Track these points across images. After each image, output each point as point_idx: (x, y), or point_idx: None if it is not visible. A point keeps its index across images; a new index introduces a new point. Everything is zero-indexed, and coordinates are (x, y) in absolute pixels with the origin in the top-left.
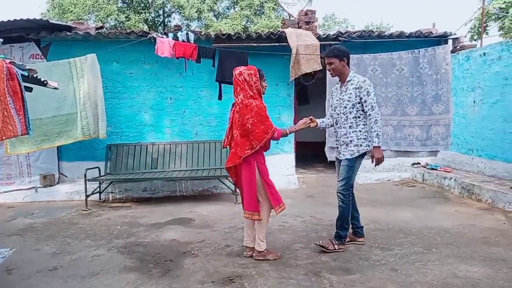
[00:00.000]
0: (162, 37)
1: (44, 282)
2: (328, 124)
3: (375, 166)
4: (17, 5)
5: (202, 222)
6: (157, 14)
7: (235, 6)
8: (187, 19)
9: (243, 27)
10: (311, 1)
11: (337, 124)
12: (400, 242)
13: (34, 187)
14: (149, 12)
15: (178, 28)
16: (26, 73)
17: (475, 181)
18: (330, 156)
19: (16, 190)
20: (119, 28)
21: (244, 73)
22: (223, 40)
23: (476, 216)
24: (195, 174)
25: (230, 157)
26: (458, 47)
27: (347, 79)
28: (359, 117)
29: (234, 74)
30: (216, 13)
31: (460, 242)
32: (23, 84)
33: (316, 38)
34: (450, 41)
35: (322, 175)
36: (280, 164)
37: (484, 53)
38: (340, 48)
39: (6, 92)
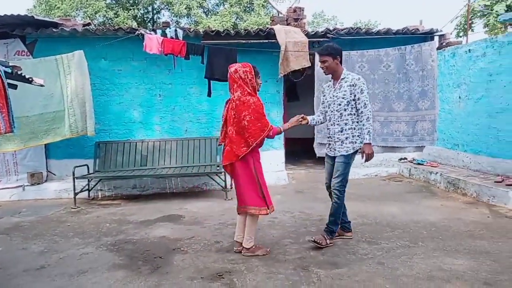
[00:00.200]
0: (150, 34)
1: (31, 281)
2: (318, 121)
3: (365, 161)
4: (2, 0)
5: (192, 219)
6: (146, 11)
7: (225, 3)
8: (177, 16)
9: (232, 24)
10: None
11: (330, 121)
12: (387, 236)
13: (21, 186)
14: (138, 9)
15: (166, 24)
16: (9, 70)
17: (461, 176)
18: (319, 152)
19: (2, 188)
20: (107, 25)
21: (239, 70)
22: (212, 37)
23: (461, 210)
24: (185, 171)
25: (225, 155)
26: (444, 43)
27: (341, 77)
28: (354, 114)
29: (229, 72)
30: (205, 10)
31: (445, 236)
32: (7, 81)
33: (305, 35)
34: (436, 38)
35: (311, 171)
36: (270, 160)
37: (469, 49)
38: (334, 46)
39: None
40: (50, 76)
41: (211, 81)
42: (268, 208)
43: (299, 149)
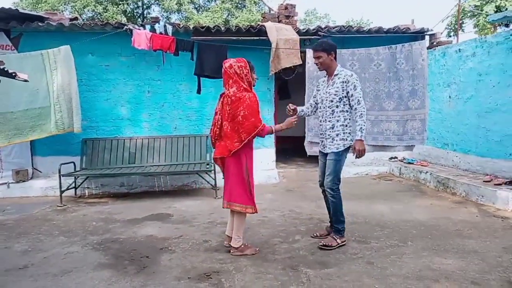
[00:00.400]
0: (139, 29)
1: (13, 281)
2: (306, 113)
3: (356, 158)
4: None
5: (181, 218)
6: (136, 6)
7: None
8: (167, 11)
9: (224, 20)
10: None
11: (322, 117)
12: (376, 235)
13: (6, 183)
14: (127, 4)
15: (155, 20)
16: None
17: (450, 175)
18: (310, 150)
19: None
20: (96, 20)
21: (234, 65)
22: (202, 33)
23: (451, 209)
24: (174, 169)
25: (218, 148)
26: (435, 43)
27: (335, 73)
28: (346, 111)
29: (224, 67)
30: (196, 6)
31: (434, 235)
32: None
33: (296, 32)
34: (427, 37)
35: (302, 169)
36: (261, 159)
37: (459, 49)
38: (328, 42)
39: None
40: (35, 71)
41: (200, 78)
42: (252, 208)
43: (290, 148)
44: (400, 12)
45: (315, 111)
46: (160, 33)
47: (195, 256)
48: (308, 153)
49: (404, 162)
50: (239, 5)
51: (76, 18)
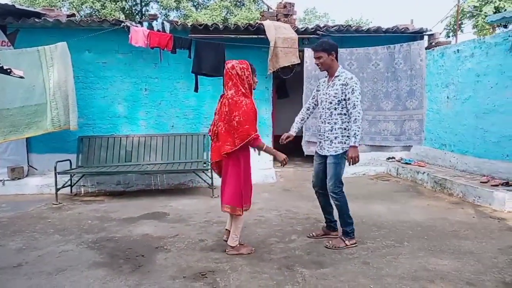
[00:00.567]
0: (136, 26)
1: (7, 280)
2: (303, 121)
3: (350, 165)
4: None
5: (177, 217)
6: (134, 3)
7: None
8: (165, 9)
9: (223, 18)
10: None
11: (320, 118)
12: (373, 235)
13: (1, 180)
14: (126, 1)
15: (153, 17)
16: None
17: (447, 176)
18: (307, 150)
19: None
20: (93, 17)
21: (236, 67)
22: (200, 31)
23: (447, 210)
24: (171, 168)
25: (214, 152)
26: (433, 43)
27: (335, 74)
28: (344, 114)
29: (226, 67)
30: (195, 3)
31: (431, 236)
32: None
33: (295, 31)
34: (426, 38)
35: (299, 169)
36: (258, 158)
37: (457, 49)
38: (329, 42)
39: None
40: (32, 68)
41: (198, 76)
42: (242, 209)
43: (288, 147)
44: (399, 12)
45: (312, 112)
46: (158, 30)
47: (191, 255)
48: (305, 153)
49: (402, 163)
50: (238, 3)
51: (73, 15)
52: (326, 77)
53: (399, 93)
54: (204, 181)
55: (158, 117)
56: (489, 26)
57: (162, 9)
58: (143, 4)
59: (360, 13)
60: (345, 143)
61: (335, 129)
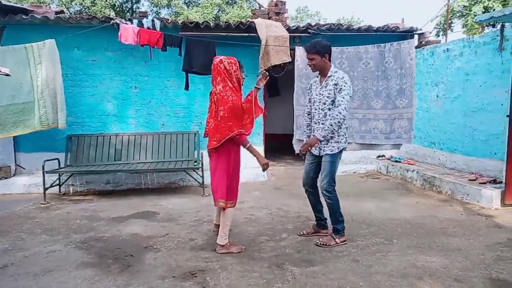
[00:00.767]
0: (126, 24)
1: None
2: (310, 128)
3: (297, 151)
4: None
5: (167, 216)
6: (125, 0)
7: None
8: (157, 6)
9: (214, 16)
10: None
11: (314, 118)
12: (362, 233)
13: None
14: None
15: (143, 14)
16: None
17: (436, 174)
18: (298, 148)
19: None
20: (83, 14)
21: (224, 61)
22: (191, 29)
23: (436, 207)
24: (161, 166)
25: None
26: (423, 42)
27: (328, 74)
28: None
29: (214, 62)
30: (187, 1)
31: (420, 233)
32: None
33: (286, 29)
34: (416, 36)
35: (290, 167)
36: (249, 156)
37: (447, 49)
38: (322, 43)
39: None
40: (19, 65)
41: (188, 74)
42: (228, 202)
43: (279, 145)
44: (391, 11)
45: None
46: (148, 28)
47: (181, 254)
48: (296, 151)
49: (392, 161)
50: (230, 1)
51: (62, 11)
52: (317, 76)
53: (389, 92)
54: (195, 179)
55: (148, 115)
56: (478, 26)
57: (153, 6)
58: (133, 1)
59: (351, 12)
60: (340, 142)
61: None
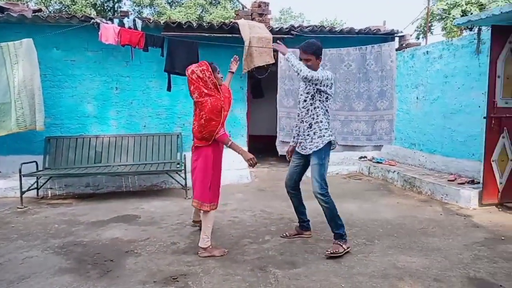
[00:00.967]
0: (107, 23)
1: None
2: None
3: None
4: None
5: (148, 219)
6: None
7: None
8: (139, 5)
9: (197, 16)
10: None
11: (299, 117)
12: None
13: None
14: None
15: (125, 14)
16: None
17: (416, 174)
18: (281, 150)
19: None
20: (62, 12)
21: (196, 70)
22: (173, 29)
23: (417, 207)
24: (143, 169)
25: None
26: (404, 44)
27: None
28: (318, 107)
29: (187, 74)
30: (169, 1)
31: (400, 233)
32: None
33: (269, 31)
34: (396, 39)
35: (274, 168)
36: (233, 158)
37: (427, 51)
38: (317, 44)
39: None
40: None
41: (171, 75)
42: (210, 205)
43: (263, 147)
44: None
45: None
46: (129, 27)
47: (162, 259)
48: (279, 153)
49: (373, 162)
50: (214, 2)
51: (40, 10)
52: None
53: (370, 94)
54: (178, 182)
55: (129, 116)
56: (457, 29)
57: (135, 6)
58: (115, 0)
59: (334, 14)
60: (324, 136)
61: (312, 124)
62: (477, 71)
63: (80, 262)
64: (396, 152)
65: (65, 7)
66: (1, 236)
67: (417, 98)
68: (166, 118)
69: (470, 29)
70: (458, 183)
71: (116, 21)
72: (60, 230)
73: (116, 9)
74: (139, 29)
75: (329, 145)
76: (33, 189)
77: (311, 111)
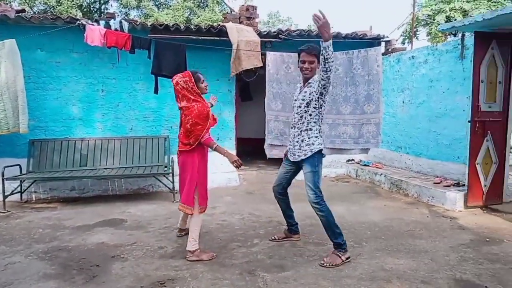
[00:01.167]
0: (93, 25)
1: None
2: None
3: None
4: None
5: (135, 223)
6: (92, 0)
7: None
8: (126, 7)
9: (185, 19)
10: None
11: (291, 123)
12: None
13: None
14: None
15: (111, 15)
16: None
17: (403, 177)
18: (270, 153)
19: None
20: (47, 13)
21: (180, 81)
22: (161, 31)
23: (403, 210)
24: (130, 172)
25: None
26: (390, 49)
27: (310, 81)
28: (310, 115)
29: (172, 83)
30: (157, 3)
31: (388, 236)
32: None
33: (257, 34)
34: (383, 44)
35: (262, 171)
36: (221, 161)
37: (412, 56)
38: (319, 48)
39: None
40: None
41: (158, 78)
42: (192, 209)
43: (251, 150)
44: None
45: None
46: (116, 29)
47: (149, 263)
48: (268, 156)
49: (361, 164)
50: (202, 4)
51: (23, 10)
52: (300, 83)
53: (357, 98)
54: (165, 185)
55: (116, 119)
56: (441, 34)
57: (122, 7)
58: (102, 1)
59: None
60: (313, 144)
61: (303, 131)
62: (461, 75)
63: (65, 268)
64: (383, 155)
65: (50, 8)
66: None
67: (403, 102)
68: (153, 121)
69: (454, 35)
70: (444, 186)
71: (102, 22)
72: (45, 235)
73: (102, 10)
74: (126, 31)
75: (321, 153)
76: (16, 193)
77: (304, 118)
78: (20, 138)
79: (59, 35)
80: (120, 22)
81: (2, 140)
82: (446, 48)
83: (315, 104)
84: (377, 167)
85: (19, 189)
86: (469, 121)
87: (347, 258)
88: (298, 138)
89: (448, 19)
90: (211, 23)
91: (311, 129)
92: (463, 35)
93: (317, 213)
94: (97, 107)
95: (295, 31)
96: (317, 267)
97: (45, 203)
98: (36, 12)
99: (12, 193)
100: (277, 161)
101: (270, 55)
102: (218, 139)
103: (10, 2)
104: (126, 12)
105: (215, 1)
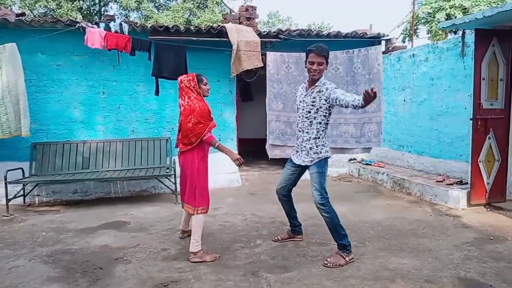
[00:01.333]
0: (93, 27)
1: None
2: None
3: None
4: None
5: (138, 225)
6: (92, 3)
7: None
8: (125, 9)
9: (185, 20)
10: None
11: (298, 126)
12: None
13: None
14: (83, 0)
15: (111, 18)
16: None
17: (405, 176)
18: (271, 154)
19: None
20: (47, 16)
21: (184, 80)
22: (161, 33)
23: (406, 208)
24: (132, 174)
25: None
26: (390, 48)
27: (317, 84)
28: (319, 123)
29: (178, 81)
30: (157, 4)
31: (391, 235)
32: None
33: (257, 34)
34: (383, 42)
35: (265, 172)
36: (223, 162)
37: (413, 54)
38: (328, 49)
39: None
40: None
41: (159, 79)
42: (198, 209)
43: (253, 150)
44: (360, 17)
45: None
46: (116, 31)
47: (152, 265)
48: (269, 156)
49: (363, 164)
50: (201, 5)
51: (23, 14)
52: (305, 83)
53: None
54: (167, 187)
55: (117, 121)
56: (442, 32)
57: (122, 9)
58: (101, 4)
59: (322, 17)
60: (320, 152)
61: (312, 138)
62: (462, 73)
63: (68, 271)
64: (385, 154)
65: (50, 11)
66: None
67: (404, 100)
68: (154, 123)
69: (455, 32)
70: (447, 184)
71: (102, 25)
72: (48, 238)
73: (102, 13)
74: (126, 33)
75: (326, 159)
76: (19, 196)
77: (314, 124)
78: (22, 142)
79: (60, 38)
80: (120, 24)
81: (4, 144)
82: (447, 45)
83: (325, 112)
84: (379, 166)
85: (22, 192)
86: (471, 119)
87: (351, 259)
88: (307, 144)
89: (448, 16)
90: (211, 24)
91: (318, 137)
92: (463, 33)
93: (322, 214)
94: (99, 110)
95: (295, 31)
96: (321, 268)
97: (48, 206)
98: (36, 16)
99: (15, 197)
100: (279, 162)
101: (270, 55)
102: (219, 140)
103: (10, 6)
104: (126, 14)
105: (215, 2)
